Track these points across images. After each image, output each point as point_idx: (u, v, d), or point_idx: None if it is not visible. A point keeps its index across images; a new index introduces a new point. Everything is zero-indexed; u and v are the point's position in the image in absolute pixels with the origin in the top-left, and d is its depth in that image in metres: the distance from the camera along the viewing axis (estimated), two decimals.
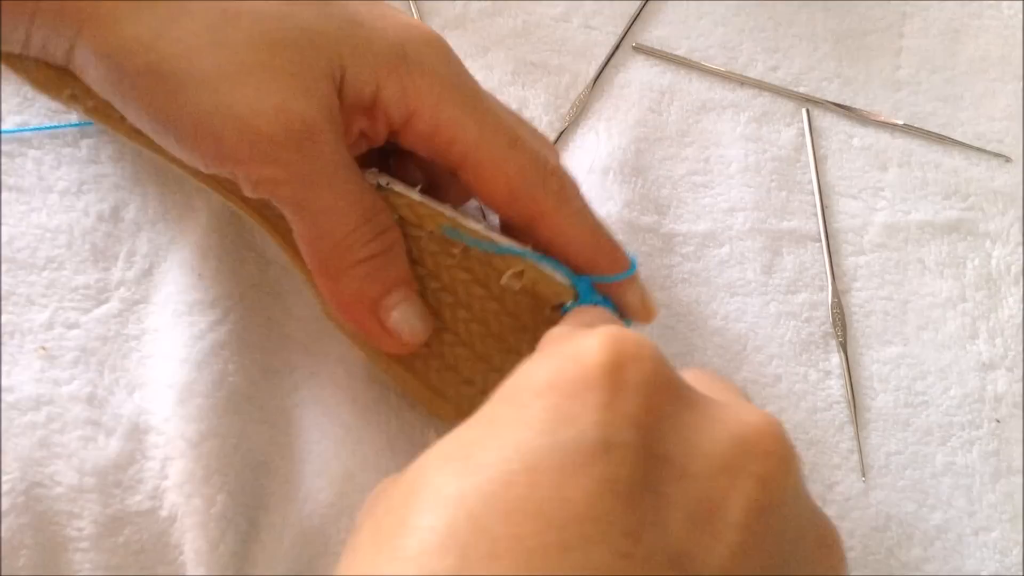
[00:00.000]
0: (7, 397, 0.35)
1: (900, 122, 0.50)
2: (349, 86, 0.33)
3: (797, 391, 0.43)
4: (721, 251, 0.46)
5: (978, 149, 0.50)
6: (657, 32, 0.51)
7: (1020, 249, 0.48)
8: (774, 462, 0.24)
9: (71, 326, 0.38)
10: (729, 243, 0.46)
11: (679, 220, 0.46)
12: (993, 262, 0.48)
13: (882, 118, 0.50)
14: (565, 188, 0.36)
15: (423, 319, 0.35)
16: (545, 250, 0.35)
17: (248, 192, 0.34)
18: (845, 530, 0.40)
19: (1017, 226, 0.48)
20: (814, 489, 0.41)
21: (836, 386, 0.44)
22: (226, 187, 0.36)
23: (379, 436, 0.38)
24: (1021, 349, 0.45)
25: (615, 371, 0.24)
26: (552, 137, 0.47)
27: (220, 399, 0.36)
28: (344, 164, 0.33)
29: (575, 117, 0.48)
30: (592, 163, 0.46)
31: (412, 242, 0.35)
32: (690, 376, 0.26)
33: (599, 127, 0.48)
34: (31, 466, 0.34)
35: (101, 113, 0.36)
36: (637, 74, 0.50)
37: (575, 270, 0.35)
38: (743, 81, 0.51)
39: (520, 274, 0.34)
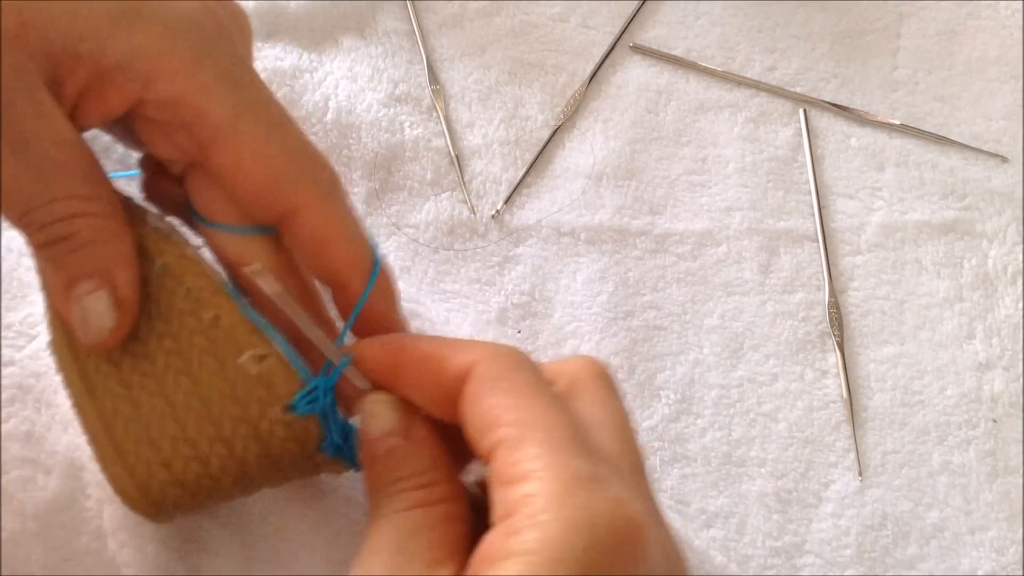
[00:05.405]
0: None
1: (897, 122, 0.50)
2: (60, 49, 0.27)
3: (794, 390, 0.43)
4: (718, 250, 0.46)
5: (975, 149, 0.50)
6: (655, 32, 0.51)
7: (1017, 249, 0.48)
8: None
9: (7, 363, 0.36)
10: (726, 242, 0.46)
11: (676, 219, 0.46)
12: (990, 262, 0.48)
13: (879, 118, 0.50)
14: (336, 184, 0.31)
15: (113, 314, 0.29)
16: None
17: None
18: (841, 528, 0.40)
19: (1014, 226, 0.48)
20: (810, 487, 0.41)
21: (833, 385, 0.44)
22: None
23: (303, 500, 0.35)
24: (1018, 348, 0.45)
25: None
26: (547, 135, 0.47)
27: None
28: (20, 139, 0.27)
29: (570, 115, 0.48)
30: (587, 168, 0.47)
31: (166, 295, 0.30)
32: None
33: (596, 128, 0.48)
34: None
35: None
36: (634, 74, 0.50)
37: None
38: (740, 81, 0.51)
39: (261, 358, 0.30)
